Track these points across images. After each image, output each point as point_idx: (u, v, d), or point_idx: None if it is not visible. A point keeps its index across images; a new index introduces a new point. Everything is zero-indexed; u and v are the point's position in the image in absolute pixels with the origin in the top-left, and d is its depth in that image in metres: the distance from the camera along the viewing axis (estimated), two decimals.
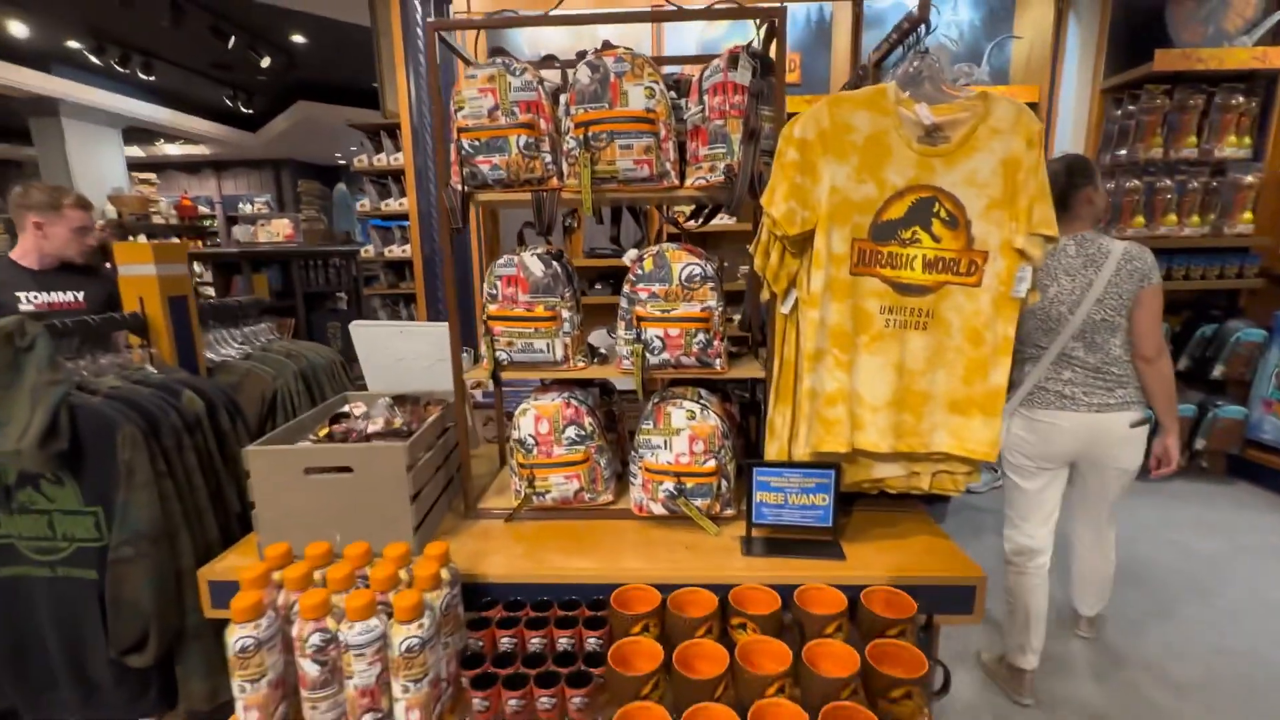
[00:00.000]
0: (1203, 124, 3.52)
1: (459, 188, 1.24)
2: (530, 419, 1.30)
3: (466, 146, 1.21)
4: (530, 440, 1.31)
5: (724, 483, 1.28)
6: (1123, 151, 3.58)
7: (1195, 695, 1.98)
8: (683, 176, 1.26)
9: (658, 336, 1.26)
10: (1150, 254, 1.86)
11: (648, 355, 1.27)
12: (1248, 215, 3.52)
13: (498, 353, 1.32)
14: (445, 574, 1.04)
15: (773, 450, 1.28)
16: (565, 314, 1.30)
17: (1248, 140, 3.50)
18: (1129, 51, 3.65)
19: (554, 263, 1.29)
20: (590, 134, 1.18)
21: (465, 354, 1.82)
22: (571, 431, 1.31)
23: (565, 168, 1.24)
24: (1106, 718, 1.91)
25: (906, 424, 1.17)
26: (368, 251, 4.42)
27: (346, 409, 1.43)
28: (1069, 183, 1.89)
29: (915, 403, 1.16)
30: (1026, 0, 3.86)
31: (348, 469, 1.15)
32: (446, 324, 1.34)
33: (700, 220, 1.60)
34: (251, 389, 1.51)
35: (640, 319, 1.26)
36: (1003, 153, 1.08)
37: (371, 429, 1.31)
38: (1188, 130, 3.51)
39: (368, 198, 4.31)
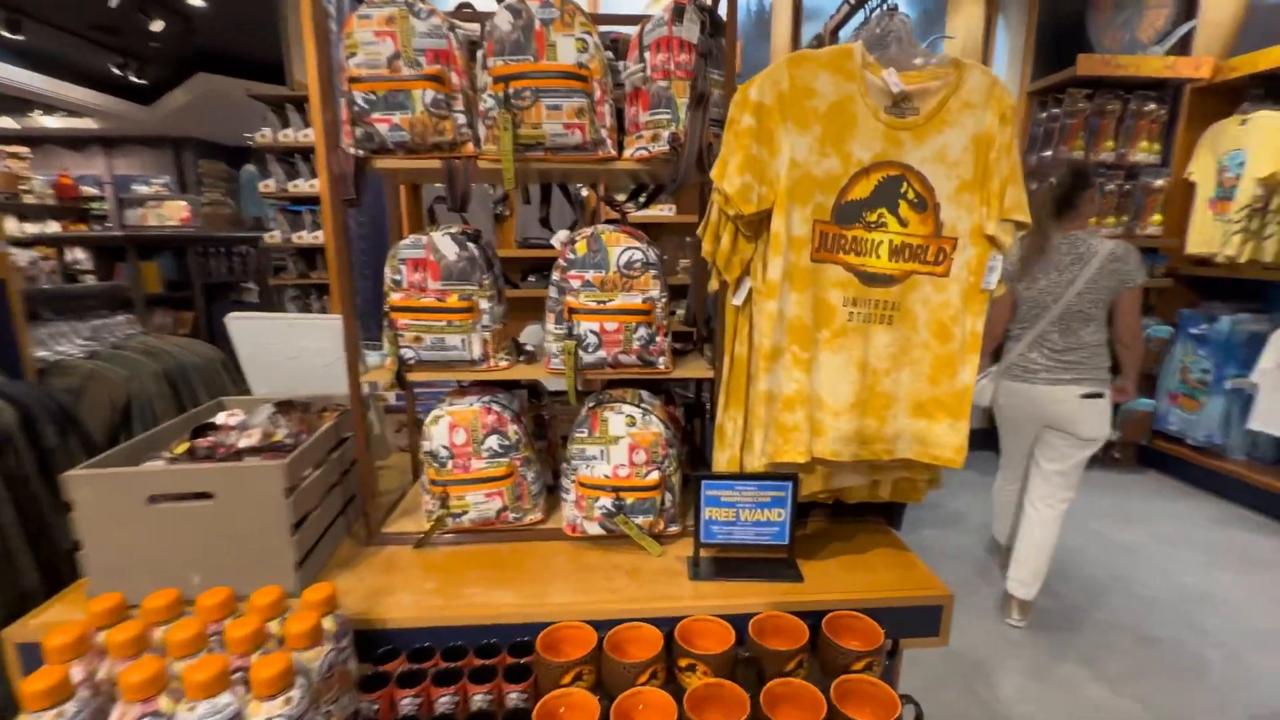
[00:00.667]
0: (1119, 129, 3.67)
1: (351, 150, 1.02)
2: (444, 427, 1.11)
3: (359, 101, 1.00)
4: (444, 452, 1.11)
5: (668, 496, 1.14)
6: (1048, 153, 3.68)
7: (1127, 688, 2.01)
8: (621, 146, 1.09)
9: (593, 331, 1.09)
10: (1135, 255, 2.08)
11: (581, 353, 1.10)
12: (1157, 217, 3.71)
13: (403, 350, 1.11)
14: (330, 624, 0.84)
15: (723, 460, 1.14)
16: (484, 305, 1.12)
17: (1157, 146, 3.68)
18: (1054, 55, 3.76)
19: (470, 244, 1.10)
20: (511, 91, 0.99)
21: (376, 351, 1.58)
22: (493, 442, 1.12)
23: (483, 132, 1.05)
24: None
25: (869, 429, 1.05)
26: (274, 237, 3.99)
27: (219, 418, 1.19)
28: (1076, 184, 2.11)
29: (879, 405, 1.05)
30: (959, 1, 3.91)
31: (207, 495, 0.93)
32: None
33: (640, 203, 1.44)
34: (96, 395, 1.23)
35: (572, 311, 1.10)
36: (974, 128, 0.98)
37: (244, 443, 1.08)
38: (1106, 134, 3.65)
39: (274, 178, 3.89)
